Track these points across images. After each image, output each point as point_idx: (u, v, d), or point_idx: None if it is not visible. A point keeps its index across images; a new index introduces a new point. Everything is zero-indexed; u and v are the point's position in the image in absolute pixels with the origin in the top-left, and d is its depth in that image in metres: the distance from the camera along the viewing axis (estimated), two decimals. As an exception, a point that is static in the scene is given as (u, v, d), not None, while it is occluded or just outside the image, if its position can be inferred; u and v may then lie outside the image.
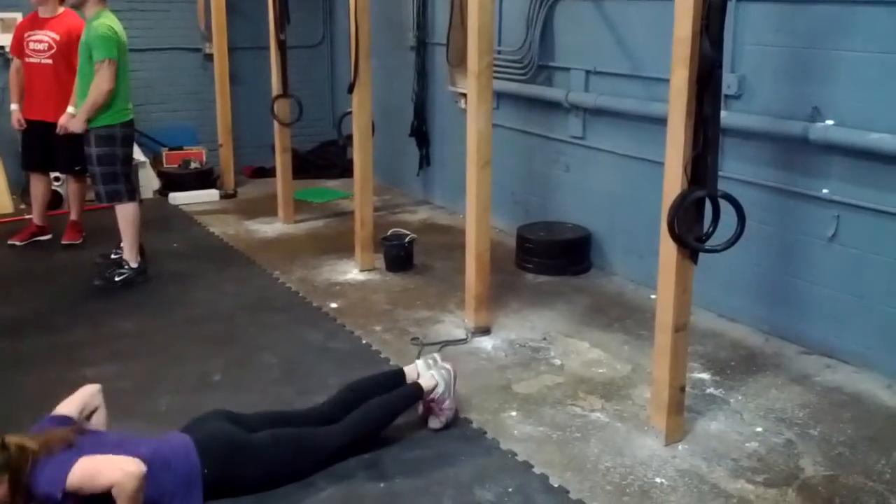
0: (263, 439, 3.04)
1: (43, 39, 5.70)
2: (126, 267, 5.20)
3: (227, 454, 2.96)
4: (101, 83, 4.95)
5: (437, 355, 3.65)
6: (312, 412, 3.32)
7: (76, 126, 5.05)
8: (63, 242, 5.96)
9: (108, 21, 5.02)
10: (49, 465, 2.65)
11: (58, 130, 5.48)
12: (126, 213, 5.20)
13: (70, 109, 5.50)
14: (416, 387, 3.41)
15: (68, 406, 3.04)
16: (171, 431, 3.04)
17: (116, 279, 5.14)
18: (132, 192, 5.26)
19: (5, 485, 2.65)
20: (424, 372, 3.48)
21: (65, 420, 2.97)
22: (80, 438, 2.83)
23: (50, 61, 5.69)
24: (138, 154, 7.33)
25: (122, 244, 5.49)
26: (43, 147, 5.80)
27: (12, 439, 2.70)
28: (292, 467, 3.07)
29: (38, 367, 4.04)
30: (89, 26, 4.98)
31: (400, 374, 3.55)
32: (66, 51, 5.65)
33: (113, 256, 5.48)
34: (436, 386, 3.41)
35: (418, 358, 3.71)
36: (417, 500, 2.99)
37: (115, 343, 4.34)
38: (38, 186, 6.03)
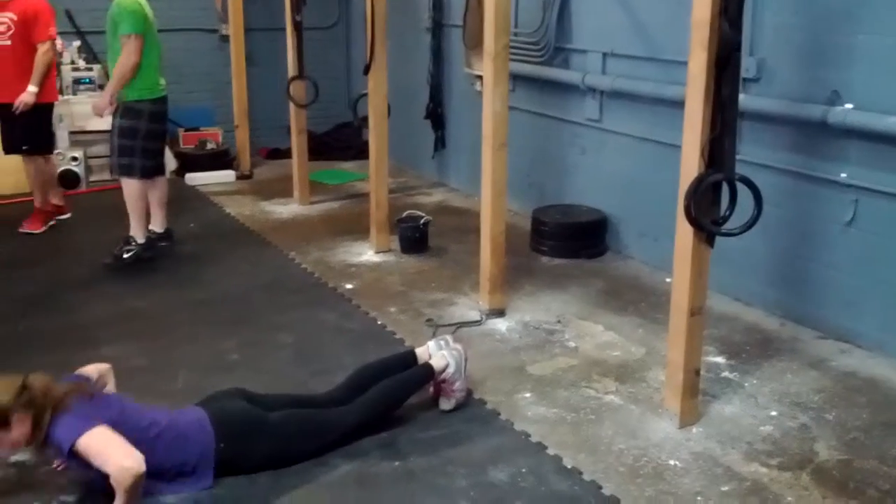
0: (279, 418, 3.08)
1: (2, 21, 5.59)
2: (133, 243, 5.19)
3: (243, 430, 3.00)
4: (126, 57, 4.96)
5: (448, 336, 3.66)
6: (325, 396, 3.35)
7: (103, 102, 5.07)
8: (20, 231, 5.83)
9: None
10: (70, 417, 2.71)
11: (14, 108, 5.48)
12: (131, 189, 5.18)
13: (30, 88, 5.49)
14: (427, 367, 3.43)
15: (86, 370, 3.12)
16: (188, 406, 3.08)
17: (125, 256, 5.15)
18: (150, 170, 5.25)
19: (28, 423, 2.72)
20: (436, 352, 3.49)
21: (84, 379, 3.04)
22: (99, 396, 2.90)
23: (9, 42, 5.59)
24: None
25: (149, 224, 5.50)
26: None
27: (36, 379, 2.77)
28: (305, 446, 3.10)
29: (55, 346, 4.08)
30: (115, 2, 4.99)
31: (411, 355, 3.57)
32: (24, 31, 5.57)
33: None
34: (447, 366, 3.42)
35: (432, 339, 3.72)
36: (432, 479, 3.01)
37: (131, 322, 4.38)
38: (28, 168, 5.97)
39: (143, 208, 5.26)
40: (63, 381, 2.96)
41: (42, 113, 5.71)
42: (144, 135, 5.16)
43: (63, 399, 2.77)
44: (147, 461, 2.72)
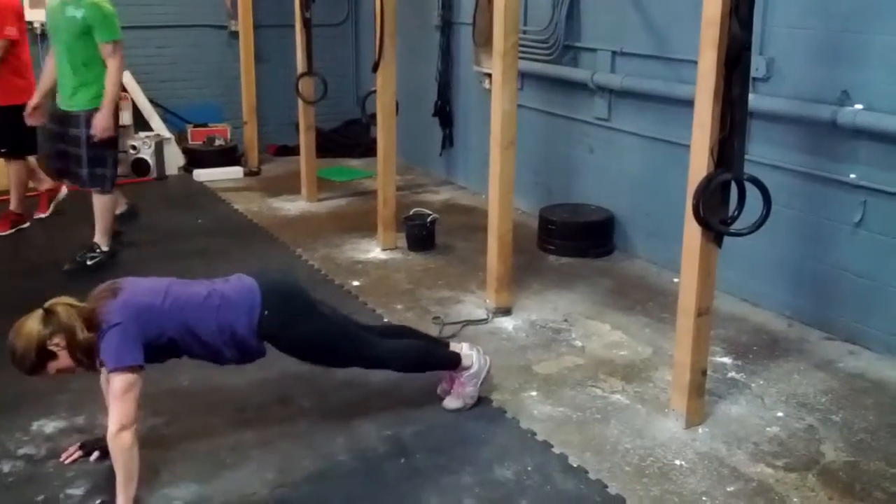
0: (324, 309, 3.19)
1: None
2: (97, 251, 5.08)
3: (290, 302, 3.07)
4: (119, 66, 4.84)
5: (480, 348, 3.64)
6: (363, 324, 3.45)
7: (108, 121, 4.82)
8: None
9: None
10: (117, 335, 2.73)
11: None
12: (105, 202, 5.06)
13: None
14: (456, 355, 3.46)
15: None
16: (239, 274, 3.15)
17: (89, 263, 5.03)
18: (115, 179, 5.11)
19: (64, 350, 2.74)
20: (467, 350, 3.51)
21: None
22: (130, 284, 2.93)
23: None
24: (163, 130, 7.41)
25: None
26: None
27: (55, 303, 2.78)
28: (334, 347, 3.18)
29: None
30: (86, 2, 4.72)
31: (446, 343, 3.60)
32: None
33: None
34: (470, 366, 3.45)
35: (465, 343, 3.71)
36: (438, 476, 3.02)
37: (140, 317, 4.38)
38: (7, 168, 5.79)
39: (113, 219, 5.14)
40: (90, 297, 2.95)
41: (13, 115, 5.41)
42: (112, 142, 5.01)
43: (93, 312, 2.77)
44: (197, 327, 2.88)
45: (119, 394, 2.72)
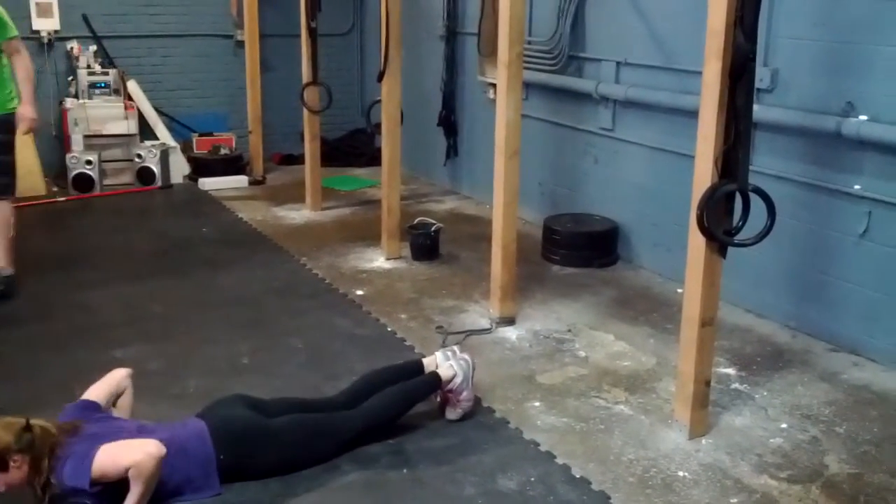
0: (281, 424, 3.07)
1: None
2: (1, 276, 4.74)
3: (242, 440, 2.99)
4: (29, 60, 4.76)
5: (455, 347, 3.65)
6: (330, 400, 3.35)
7: (36, 116, 4.74)
8: None
9: None
10: (70, 459, 2.68)
11: None
12: (4, 212, 4.78)
13: None
14: (434, 376, 3.42)
15: (97, 390, 3.08)
16: (187, 417, 3.07)
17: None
18: (13, 187, 4.88)
19: (26, 465, 2.67)
20: (443, 362, 3.48)
21: (91, 405, 3.00)
22: (95, 426, 2.86)
23: None
24: (169, 139, 7.44)
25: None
26: None
27: (38, 424, 2.73)
28: (310, 452, 3.10)
29: (69, 348, 4.10)
30: None
31: (418, 364, 3.56)
32: None
33: None
34: (454, 376, 3.41)
35: (443, 347, 3.71)
36: (440, 486, 3.01)
37: (145, 325, 4.39)
38: None
39: (12, 234, 4.83)
40: (67, 413, 2.94)
41: None
42: (10, 150, 4.82)
43: (56, 443, 2.71)
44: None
45: (115, 460, 2.65)
